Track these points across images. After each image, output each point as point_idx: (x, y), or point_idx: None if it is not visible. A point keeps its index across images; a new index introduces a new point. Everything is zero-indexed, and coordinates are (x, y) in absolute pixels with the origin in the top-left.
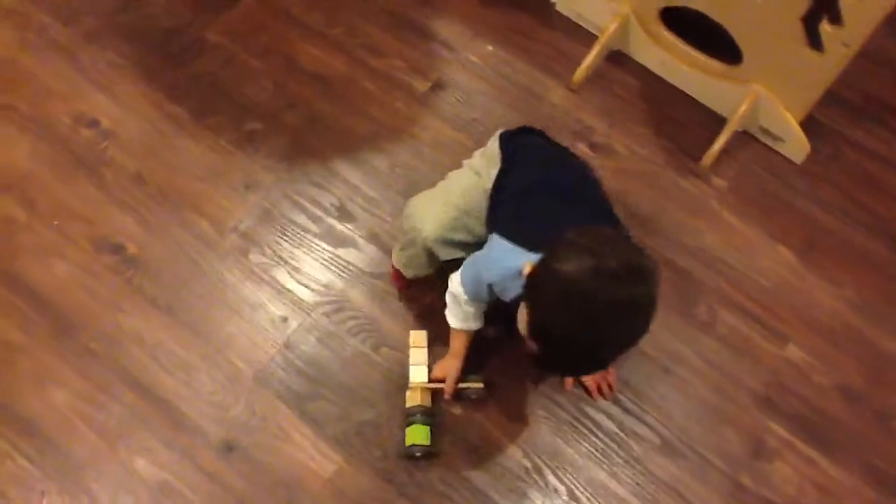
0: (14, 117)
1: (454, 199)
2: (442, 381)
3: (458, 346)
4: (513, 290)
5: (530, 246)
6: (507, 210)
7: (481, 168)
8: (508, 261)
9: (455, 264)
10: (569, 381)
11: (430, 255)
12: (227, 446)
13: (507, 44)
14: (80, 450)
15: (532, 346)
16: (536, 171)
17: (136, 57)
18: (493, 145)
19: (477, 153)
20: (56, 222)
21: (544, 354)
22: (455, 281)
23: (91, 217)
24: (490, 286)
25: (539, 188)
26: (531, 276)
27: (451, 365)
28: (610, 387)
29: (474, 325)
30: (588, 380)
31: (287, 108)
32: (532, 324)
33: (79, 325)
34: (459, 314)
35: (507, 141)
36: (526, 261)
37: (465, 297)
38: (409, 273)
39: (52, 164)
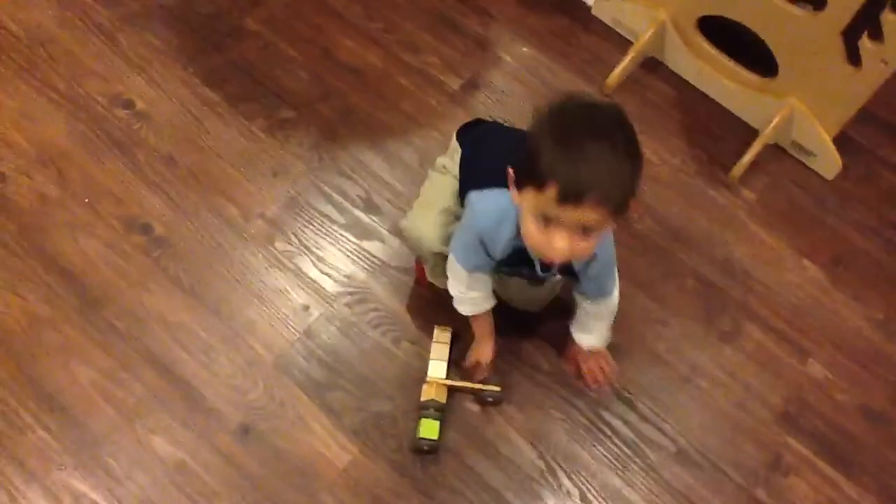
0: (51, 95)
1: (434, 201)
2: (460, 381)
3: (481, 330)
4: (505, 232)
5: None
6: (475, 172)
7: (446, 163)
8: (493, 201)
9: None
10: (571, 358)
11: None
12: (244, 430)
13: (542, 46)
14: (99, 425)
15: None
16: (496, 138)
17: (174, 41)
18: (452, 141)
19: (438, 158)
20: (87, 200)
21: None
22: (451, 262)
23: (122, 196)
24: (483, 243)
25: (503, 148)
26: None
27: (482, 349)
28: (605, 375)
29: (487, 304)
30: (584, 366)
31: (320, 99)
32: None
33: (105, 302)
34: (467, 300)
35: (463, 130)
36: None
37: (465, 271)
38: (444, 285)
39: (86, 142)
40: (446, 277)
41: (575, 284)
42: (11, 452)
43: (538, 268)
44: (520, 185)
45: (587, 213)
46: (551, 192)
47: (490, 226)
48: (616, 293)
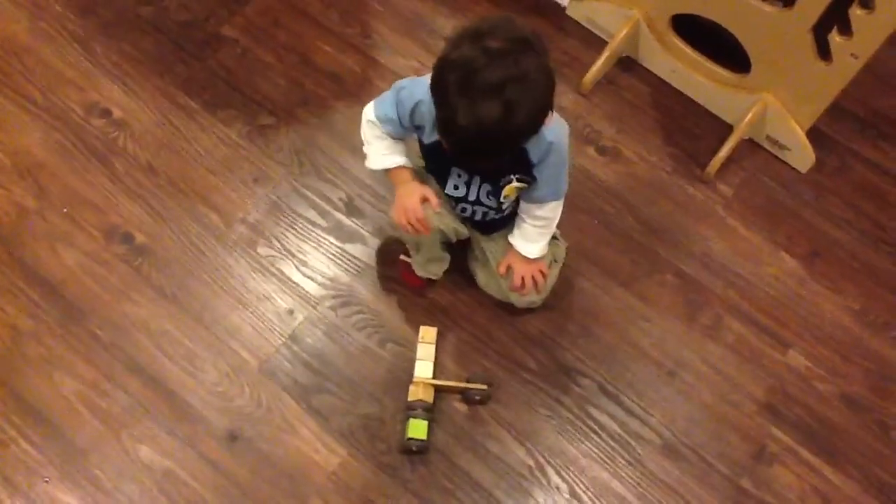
0: (27, 105)
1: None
2: (447, 381)
3: (397, 177)
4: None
5: None
6: None
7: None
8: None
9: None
10: (501, 268)
11: (438, 238)
12: (231, 436)
13: None
14: (85, 437)
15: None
16: None
17: (150, 49)
18: None
19: None
20: (66, 210)
21: (446, 144)
22: (366, 108)
23: (101, 206)
24: (414, 106)
25: None
26: None
27: (406, 196)
28: (535, 283)
29: (396, 158)
30: (520, 272)
31: (300, 104)
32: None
33: (87, 312)
34: (373, 151)
35: None
36: None
37: (374, 117)
38: (432, 271)
39: (63, 153)
40: (438, 260)
41: (527, 192)
42: None
43: None
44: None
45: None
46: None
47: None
48: (562, 200)
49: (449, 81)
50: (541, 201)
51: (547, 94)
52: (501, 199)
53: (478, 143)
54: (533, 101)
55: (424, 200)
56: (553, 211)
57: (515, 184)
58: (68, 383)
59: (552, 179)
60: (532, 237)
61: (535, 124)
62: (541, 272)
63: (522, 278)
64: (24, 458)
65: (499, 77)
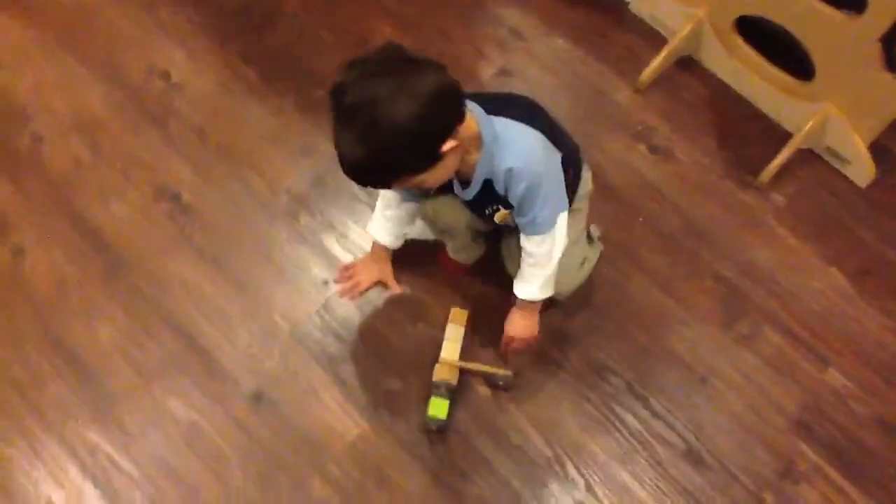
0: (91, 64)
1: None
2: (472, 363)
3: (375, 253)
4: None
5: None
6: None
7: None
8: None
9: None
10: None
11: (471, 230)
12: (257, 397)
13: (577, 39)
14: (117, 383)
15: None
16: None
17: (214, 18)
18: None
19: None
20: (119, 166)
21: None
22: None
23: (153, 164)
24: None
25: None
26: None
27: (369, 265)
28: (524, 341)
29: (383, 237)
30: (507, 323)
31: None
32: None
33: (131, 265)
34: (378, 217)
35: None
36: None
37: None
38: (462, 257)
39: (121, 110)
40: (473, 249)
41: (516, 218)
42: (32, 402)
43: (456, 189)
44: None
45: None
46: None
47: None
48: (559, 234)
49: (331, 108)
50: (524, 231)
51: (419, 118)
52: (499, 224)
53: (352, 166)
54: (396, 123)
55: (380, 284)
56: (539, 246)
57: (504, 211)
58: (107, 332)
59: (525, 209)
60: (524, 275)
61: (413, 148)
62: (532, 328)
63: (512, 340)
64: (60, 398)
65: (359, 98)
